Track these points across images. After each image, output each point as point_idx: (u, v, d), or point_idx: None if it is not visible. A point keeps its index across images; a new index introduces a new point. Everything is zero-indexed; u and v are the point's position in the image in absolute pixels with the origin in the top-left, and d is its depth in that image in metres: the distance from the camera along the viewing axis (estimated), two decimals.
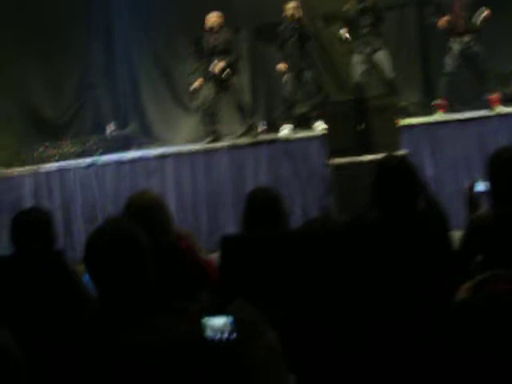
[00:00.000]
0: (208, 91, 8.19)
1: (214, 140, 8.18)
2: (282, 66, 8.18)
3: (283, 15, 8.17)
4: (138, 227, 2.13)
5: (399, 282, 2.90)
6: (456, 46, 7.67)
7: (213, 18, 8.19)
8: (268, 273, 2.92)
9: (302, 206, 7.25)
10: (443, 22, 7.62)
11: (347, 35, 8.00)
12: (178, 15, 9.37)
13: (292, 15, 8.06)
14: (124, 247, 2.03)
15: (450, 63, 7.73)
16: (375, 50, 7.97)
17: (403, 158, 3.98)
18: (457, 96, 7.98)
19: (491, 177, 3.03)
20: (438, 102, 7.83)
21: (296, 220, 7.07)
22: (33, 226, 3.27)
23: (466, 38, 7.63)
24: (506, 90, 8.40)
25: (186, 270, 3.17)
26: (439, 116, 7.68)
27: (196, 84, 8.32)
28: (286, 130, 8.11)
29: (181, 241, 3.35)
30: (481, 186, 3.31)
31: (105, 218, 2.39)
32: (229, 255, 3.10)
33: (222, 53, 8.14)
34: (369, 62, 8.01)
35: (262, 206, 3.11)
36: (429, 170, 6.84)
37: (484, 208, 3.27)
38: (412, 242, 3.02)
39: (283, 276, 2.75)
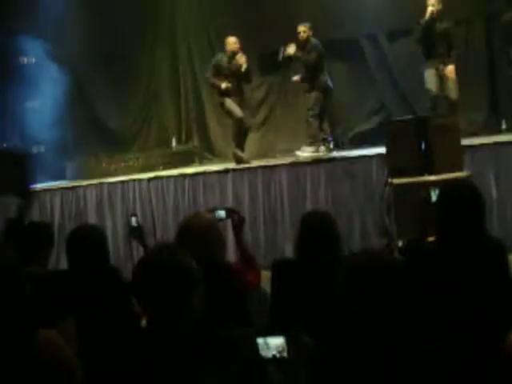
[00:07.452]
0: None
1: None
2: None
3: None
4: (189, 255, 2.12)
5: (458, 313, 2.82)
6: None
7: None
8: (320, 298, 2.87)
9: (360, 227, 7.15)
10: None
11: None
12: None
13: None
14: (172, 280, 2.02)
15: None
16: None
17: (468, 183, 3.85)
18: None
19: None
20: None
21: (354, 241, 6.99)
22: (86, 244, 3.34)
23: None
24: None
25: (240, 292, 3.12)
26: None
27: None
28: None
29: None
30: None
31: (155, 245, 2.40)
32: (280, 280, 3.09)
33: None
34: (440, 77, 7.90)
35: (315, 231, 3.11)
36: (492, 193, 6.64)
37: None
38: (472, 271, 2.92)
39: (335, 302, 2.69)
